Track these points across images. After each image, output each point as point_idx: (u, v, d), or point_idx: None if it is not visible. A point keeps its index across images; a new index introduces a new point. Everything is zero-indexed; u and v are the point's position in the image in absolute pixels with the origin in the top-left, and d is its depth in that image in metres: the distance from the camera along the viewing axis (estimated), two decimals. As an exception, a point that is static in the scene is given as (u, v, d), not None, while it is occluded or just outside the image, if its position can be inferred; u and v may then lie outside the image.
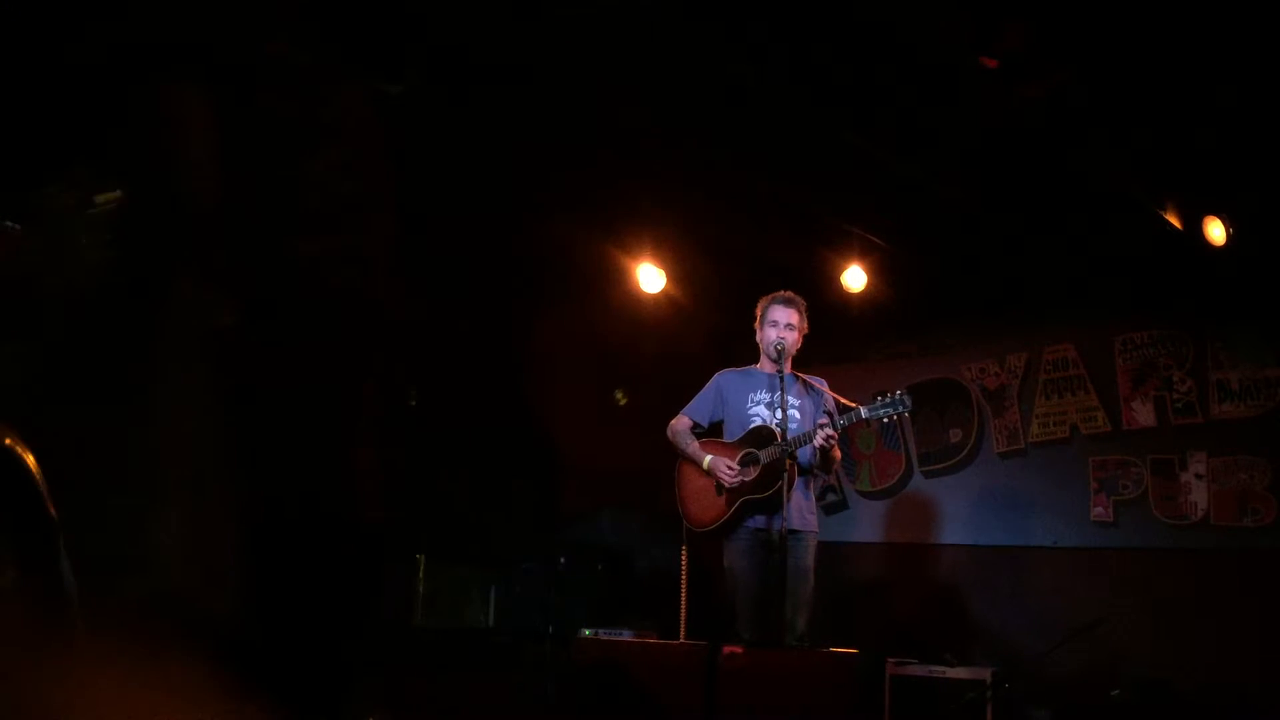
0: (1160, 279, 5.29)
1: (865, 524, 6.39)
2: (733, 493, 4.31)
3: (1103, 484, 5.54)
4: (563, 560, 5.67)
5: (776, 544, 4.13)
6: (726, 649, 3.77)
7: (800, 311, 4.45)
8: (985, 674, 4.97)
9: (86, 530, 1.64)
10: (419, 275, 5.37)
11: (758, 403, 4.46)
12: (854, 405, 4.27)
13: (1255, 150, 4.31)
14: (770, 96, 3.99)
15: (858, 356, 6.46)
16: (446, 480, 5.40)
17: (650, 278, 5.68)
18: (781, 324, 4.39)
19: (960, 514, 6.01)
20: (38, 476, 1.61)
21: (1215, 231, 4.73)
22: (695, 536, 4.48)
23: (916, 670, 5.14)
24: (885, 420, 4.23)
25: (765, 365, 4.53)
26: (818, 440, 4.16)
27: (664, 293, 5.80)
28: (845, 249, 5.55)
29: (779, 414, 4.27)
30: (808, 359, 4.57)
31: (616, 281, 5.76)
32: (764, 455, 4.25)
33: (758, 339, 4.51)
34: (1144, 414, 5.47)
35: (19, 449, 1.59)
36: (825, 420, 4.27)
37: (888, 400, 4.19)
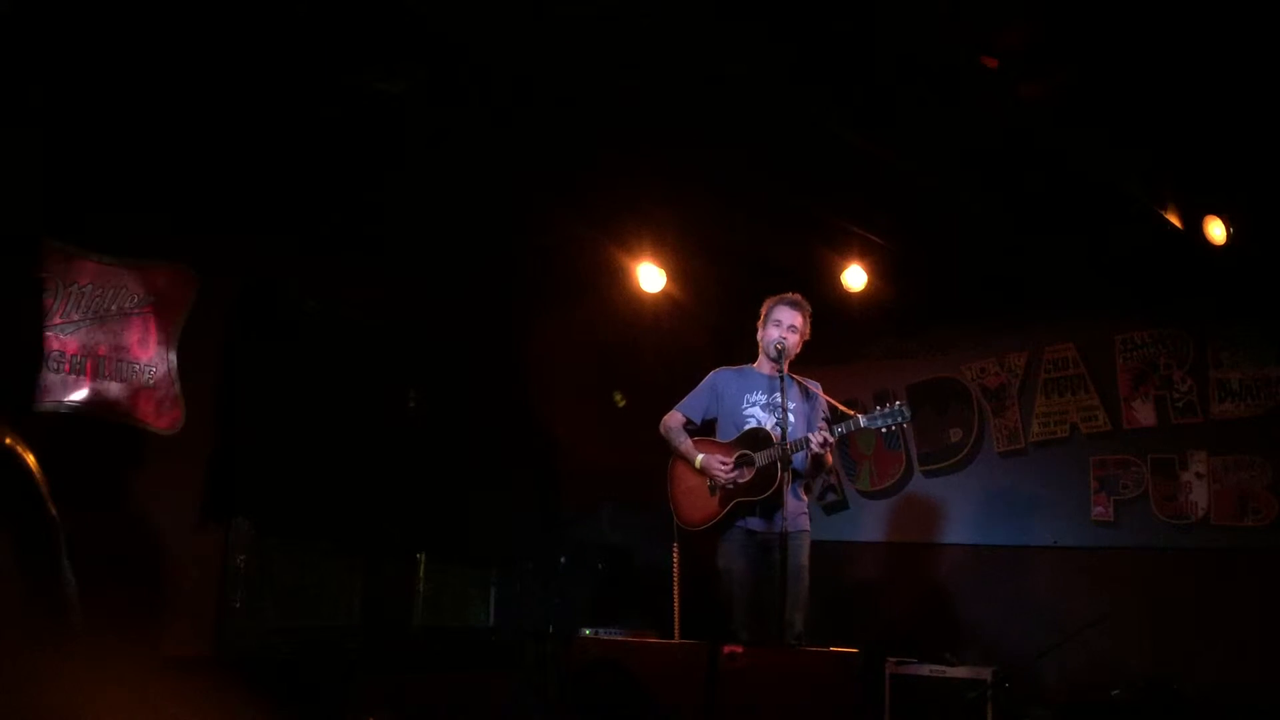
0: (1160, 279, 5.29)
1: (865, 524, 6.39)
2: (726, 494, 4.31)
3: (1103, 483, 5.54)
4: (563, 559, 5.67)
5: (772, 544, 4.14)
6: (727, 648, 3.77)
7: (805, 316, 4.45)
8: (985, 673, 4.97)
9: None
10: (420, 275, 5.38)
11: (753, 403, 4.46)
12: (853, 414, 4.27)
13: (1255, 150, 4.31)
14: (770, 96, 3.99)
15: (858, 356, 6.46)
16: (446, 480, 5.39)
17: (650, 277, 5.67)
18: (785, 324, 4.39)
19: (960, 514, 6.01)
20: (38, 477, 1.61)
21: (1215, 231, 4.73)
22: (687, 535, 4.49)
23: (917, 670, 5.14)
24: (884, 430, 4.23)
25: (763, 365, 4.53)
26: (814, 446, 4.16)
27: (664, 292, 5.79)
28: (845, 248, 5.55)
29: (775, 415, 4.27)
30: (807, 358, 4.57)
31: (616, 281, 5.76)
32: (759, 458, 4.25)
33: (759, 337, 4.52)
34: (1144, 413, 5.47)
35: (19, 449, 1.59)
36: (824, 426, 4.27)
37: (887, 410, 4.19)
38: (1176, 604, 5.14)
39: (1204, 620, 5.02)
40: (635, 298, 5.80)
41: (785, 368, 4.28)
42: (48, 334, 4.14)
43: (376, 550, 5.24)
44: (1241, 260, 4.85)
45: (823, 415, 4.48)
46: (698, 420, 4.59)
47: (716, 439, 4.54)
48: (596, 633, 4.46)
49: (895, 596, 6.12)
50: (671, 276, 5.75)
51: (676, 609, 4.63)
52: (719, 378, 4.61)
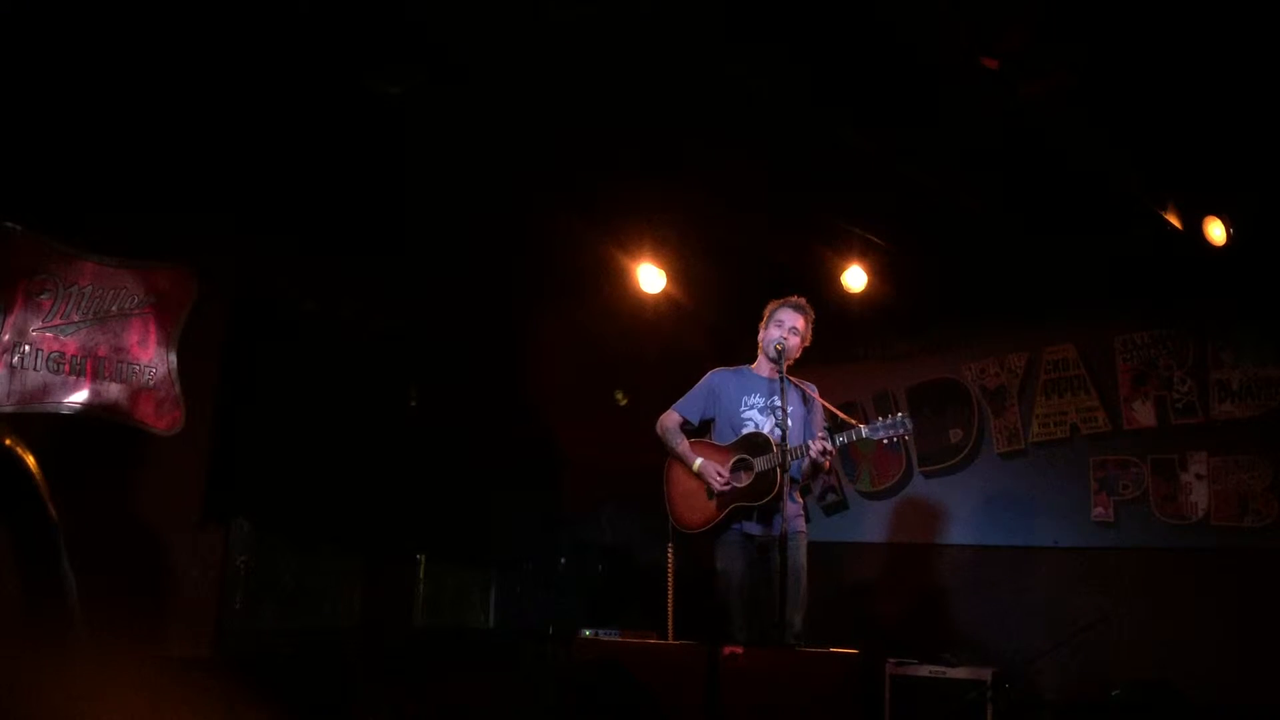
0: (1160, 279, 5.29)
1: (865, 524, 6.39)
2: (723, 498, 4.31)
3: (1103, 484, 5.54)
4: (562, 560, 5.67)
5: (770, 547, 4.14)
6: (727, 649, 3.77)
7: (807, 320, 4.45)
8: (985, 674, 4.97)
9: None
10: (419, 276, 5.38)
11: (751, 406, 4.45)
12: (855, 423, 4.26)
13: (1255, 150, 4.31)
14: (770, 96, 3.99)
15: (857, 357, 6.46)
16: (446, 481, 5.39)
17: (650, 278, 5.67)
18: (786, 325, 4.39)
19: (960, 514, 6.01)
20: (39, 477, 1.60)
21: (1215, 231, 4.73)
22: (684, 537, 4.49)
23: (917, 671, 5.14)
24: (886, 441, 4.22)
25: (761, 367, 4.53)
26: (813, 454, 4.16)
27: (664, 293, 5.79)
28: (845, 249, 5.54)
29: (773, 418, 4.27)
30: (807, 358, 4.57)
31: (617, 281, 5.75)
32: (758, 463, 4.25)
33: (759, 337, 4.51)
34: (1144, 414, 5.47)
35: (19, 450, 1.59)
36: (824, 436, 4.26)
37: (889, 421, 4.19)
38: (1176, 605, 5.13)
39: (1204, 621, 5.02)
40: (635, 298, 5.80)
41: (784, 369, 4.28)
42: (47, 334, 4.14)
43: (376, 551, 5.24)
44: (1241, 261, 4.85)
45: (821, 419, 4.48)
46: (694, 421, 4.58)
47: (713, 440, 4.53)
48: (596, 633, 4.45)
49: (895, 597, 6.12)
50: (672, 277, 5.75)
51: (670, 610, 4.63)
52: (716, 378, 4.61)
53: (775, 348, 4.32)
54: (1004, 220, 4.97)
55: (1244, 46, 3.64)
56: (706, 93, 3.97)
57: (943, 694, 5.01)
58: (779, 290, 4.57)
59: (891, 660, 5.20)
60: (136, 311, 4.43)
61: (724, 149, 4.51)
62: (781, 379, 4.22)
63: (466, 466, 5.49)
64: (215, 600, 4.59)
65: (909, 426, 4.19)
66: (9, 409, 3.98)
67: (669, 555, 4.67)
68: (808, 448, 4.17)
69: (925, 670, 5.13)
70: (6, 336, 4.01)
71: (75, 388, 4.21)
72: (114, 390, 4.33)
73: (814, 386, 4.54)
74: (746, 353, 4.66)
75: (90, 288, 4.28)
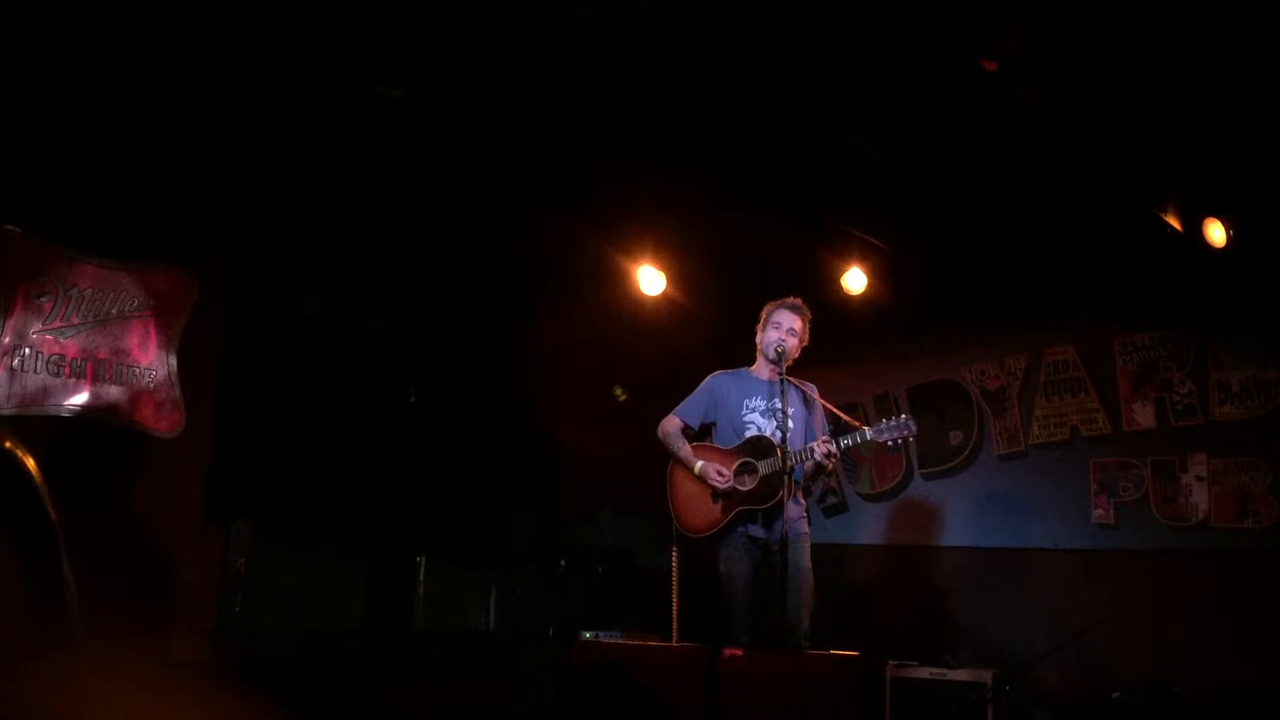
0: (1160, 280, 5.28)
1: (866, 526, 6.39)
2: (728, 501, 4.30)
3: (1103, 486, 5.53)
4: (563, 562, 5.66)
5: (773, 549, 4.14)
6: (727, 651, 3.77)
7: (805, 322, 4.45)
8: (986, 676, 4.97)
9: None
10: (420, 278, 5.38)
11: (753, 409, 4.45)
12: (858, 425, 4.26)
13: (1255, 151, 4.31)
14: (770, 97, 3.99)
15: (858, 358, 6.46)
16: (447, 483, 5.39)
17: (650, 280, 5.67)
18: (784, 327, 4.39)
19: (960, 516, 6.01)
20: (39, 479, 1.60)
21: (1215, 232, 4.73)
22: (687, 540, 4.49)
23: (917, 672, 5.14)
24: (889, 443, 4.22)
25: (761, 369, 4.53)
26: (818, 456, 4.16)
27: (664, 295, 5.79)
28: (845, 250, 5.54)
29: (774, 420, 4.26)
30: (807, 359, 4.57)
31: (617, 283, 5.75)
32: (763, 466, 4.25)
33: (757, 339, 4.51)
34: (1144, 415, 5.47)
35: (19, 452, 1.59)
36: (828, 439, 4.25)
37: (892, 423, 4.18)
38: (1177, 606, 5.13)
39: (1204, 622, 5.02)
40: (635, 300, 5.80)
41: (784, 371, 4.28)
42: (47, 337, 4.14)
43: (376, 553, 5.24)
44: (1242, 262, 4.85)
45: (823, 420, 4.47)
46: (695, 425, 4.58)
47: (714, 444, 4.53)
48: (597, 635, 4.45)
49: (895, 599, 6.12)
50: (672, 279, 5.75)
51: (675, 613, 4.62)
52: (716, 382, 4.60)
53: (775, 350, 4.32)
54: (1004, 220, 4.97)
55: (1244, 46, 3.64)
56: (708, 93, 3.97)
57: (943, 696, 5.00)
58: (779, 292, 4.57)
59: (892, 662, 5.20)
60: (137, 314, 4.43)
61: (724, 150, 4.51)
62: (782, 381, 4.22)
63: (466, 468, 5.49)
64: (215, 602, 4.58)
65: (913, 428, 4.19)
66: (9, 411, 3.98)
67: (673, 558, 4.67)
68: (813, 450, 4.17)
69: (925, 672, 5.13)
70: (7, 339, 4.00)
71: (75, 390, 4.21)
72: (114, 393, 4.32)
73: (814, 387, 4.53)
74: (746, 354, 4.66)
75: (90, 290, 4.28)
